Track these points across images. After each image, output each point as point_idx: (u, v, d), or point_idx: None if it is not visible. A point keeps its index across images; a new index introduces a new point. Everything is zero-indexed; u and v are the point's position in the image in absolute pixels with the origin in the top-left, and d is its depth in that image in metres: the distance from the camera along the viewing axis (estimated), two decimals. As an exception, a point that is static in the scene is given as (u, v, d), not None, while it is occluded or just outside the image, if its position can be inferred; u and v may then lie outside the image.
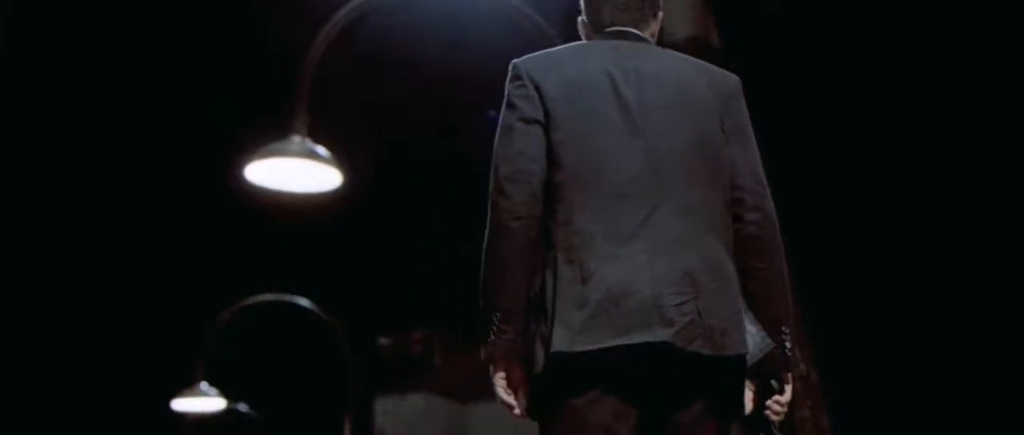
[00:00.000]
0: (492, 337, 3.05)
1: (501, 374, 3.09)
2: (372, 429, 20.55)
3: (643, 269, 2.95)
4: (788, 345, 3.12)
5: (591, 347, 2.90)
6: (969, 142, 13.28)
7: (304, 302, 13.77)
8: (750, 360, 3.03)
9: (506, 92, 3.20)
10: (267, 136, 7.33)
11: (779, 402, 3.15)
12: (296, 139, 7.22)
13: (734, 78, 3.32)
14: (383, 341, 21.69)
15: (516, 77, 3.19)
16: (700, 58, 3.51)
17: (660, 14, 3.43)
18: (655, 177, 3.05)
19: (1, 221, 18.55)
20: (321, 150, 7.27)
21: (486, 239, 3.09)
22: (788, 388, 3.18)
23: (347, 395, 14.43)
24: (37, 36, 16.23)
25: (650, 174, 3.05)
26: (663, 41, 3.62)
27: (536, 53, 3.29)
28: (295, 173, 7.50)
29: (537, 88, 3.14)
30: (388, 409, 21.04)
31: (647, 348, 2.90)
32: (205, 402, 13.88)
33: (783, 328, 3.12)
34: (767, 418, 3.13)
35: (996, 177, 13.39)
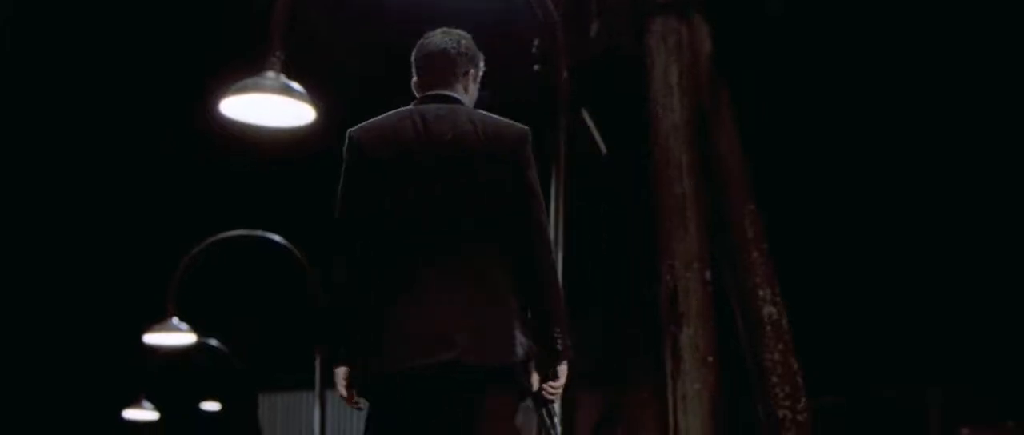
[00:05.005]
0: (330, 352, 4.08)
1: (340, 378, 4.07)
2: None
3: (434, 304, 3.96)
4: (559, 343, 4.09)
5: (394, 368, 3.94)
6: (966, 136, 13.44)
7: (276, 238, 13.75)
8: (524, 359, 4.05)
9: (344, 156, 4.11)
10: (241, 73, 7.29)
11: (553, 385, 4.15)
12: (270, 74, 7.18)
13: (521, 131, 4.15)
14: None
15: (351, 147, 4.10)
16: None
17: (472, 71, 4.28)
18: (447, 233, 4.00)
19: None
20: (295, 86, 7.24)
21: (333, 280, 4.05)
22: (562, 373, 4.14)
23: (317, 332, 14.44)
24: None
25: (443, 231, 3.99)
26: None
27: (366, 123, 4.15)
28: (269, 108, 7.48)
29: (368, 159, 4.06)
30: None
31: (438, 365, 3.92)
32: (176, 337, 13.89)
33: (555, 330, 4.08)
34: (544, 397, 4.18)
35: (985, 165, 13.59)
